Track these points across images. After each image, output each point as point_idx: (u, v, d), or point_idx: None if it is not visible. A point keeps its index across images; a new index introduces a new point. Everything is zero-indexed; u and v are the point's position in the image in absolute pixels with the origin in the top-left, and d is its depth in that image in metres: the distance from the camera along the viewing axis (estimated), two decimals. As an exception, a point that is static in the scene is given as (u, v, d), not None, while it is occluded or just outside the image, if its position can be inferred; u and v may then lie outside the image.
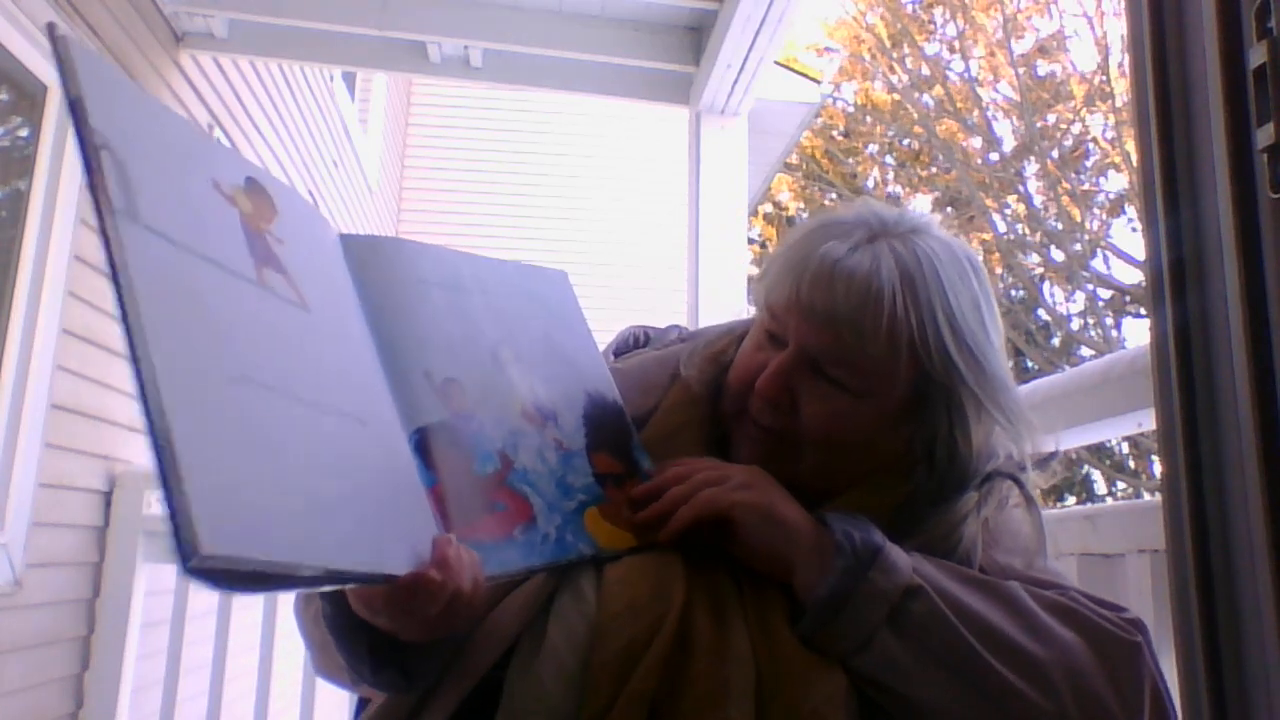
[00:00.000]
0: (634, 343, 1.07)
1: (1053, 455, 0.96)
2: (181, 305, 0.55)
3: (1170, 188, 0.77)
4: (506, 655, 0.76)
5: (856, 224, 0.87)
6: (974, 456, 0.85)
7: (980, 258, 0.92)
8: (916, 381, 0.84)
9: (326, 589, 0.68)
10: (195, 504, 0.48)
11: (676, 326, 1.08)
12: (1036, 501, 0.90)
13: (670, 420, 0.91)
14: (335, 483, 0.61)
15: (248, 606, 2.83)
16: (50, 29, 0.56)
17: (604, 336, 1.05)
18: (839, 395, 0.83)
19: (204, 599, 2.69)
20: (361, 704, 0.91)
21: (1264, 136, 0.68)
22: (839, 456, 0.85)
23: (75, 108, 0.55)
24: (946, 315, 0.82)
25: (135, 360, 0.50)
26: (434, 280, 0.83)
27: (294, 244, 0.70)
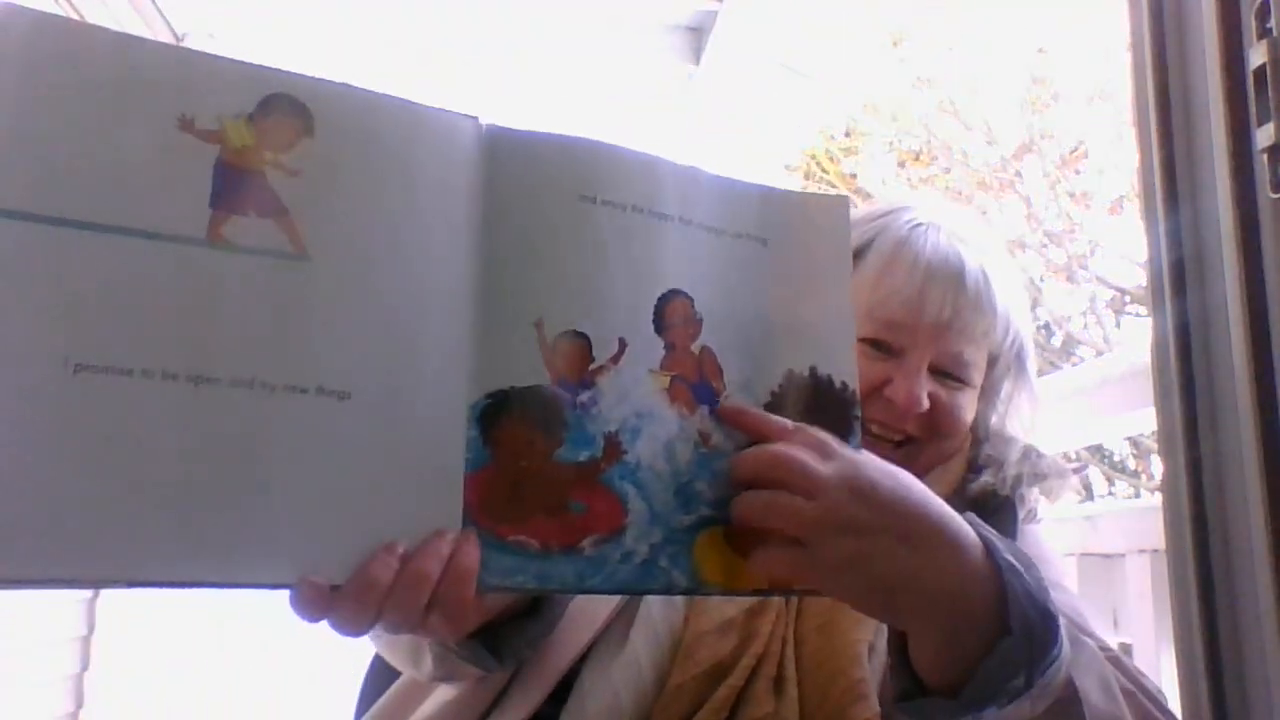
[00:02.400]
0: None
1: (1078, 466, 1.00)
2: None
3: (1170, 188, 0.77)
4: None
5: (928, 215, 0.90)
6: (1005, 433, 0.92)
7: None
8: (996, 358, 0.91)
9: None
10: None
11: None
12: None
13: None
14: (212, 476, 0.54)
15: (250, 606, 2.82)
16: None
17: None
18: (961, 391, 0.88)
19: (205, 599, 2.69)
20: (364, 703, 0.91)
21: (1264, 136, 0.68)
22: (947, 448, 0.89)
23: None
24: (1022, 290, 0.91)
25: None
26: (609, 198, 0.64)
27: (326, 171, 0.59)
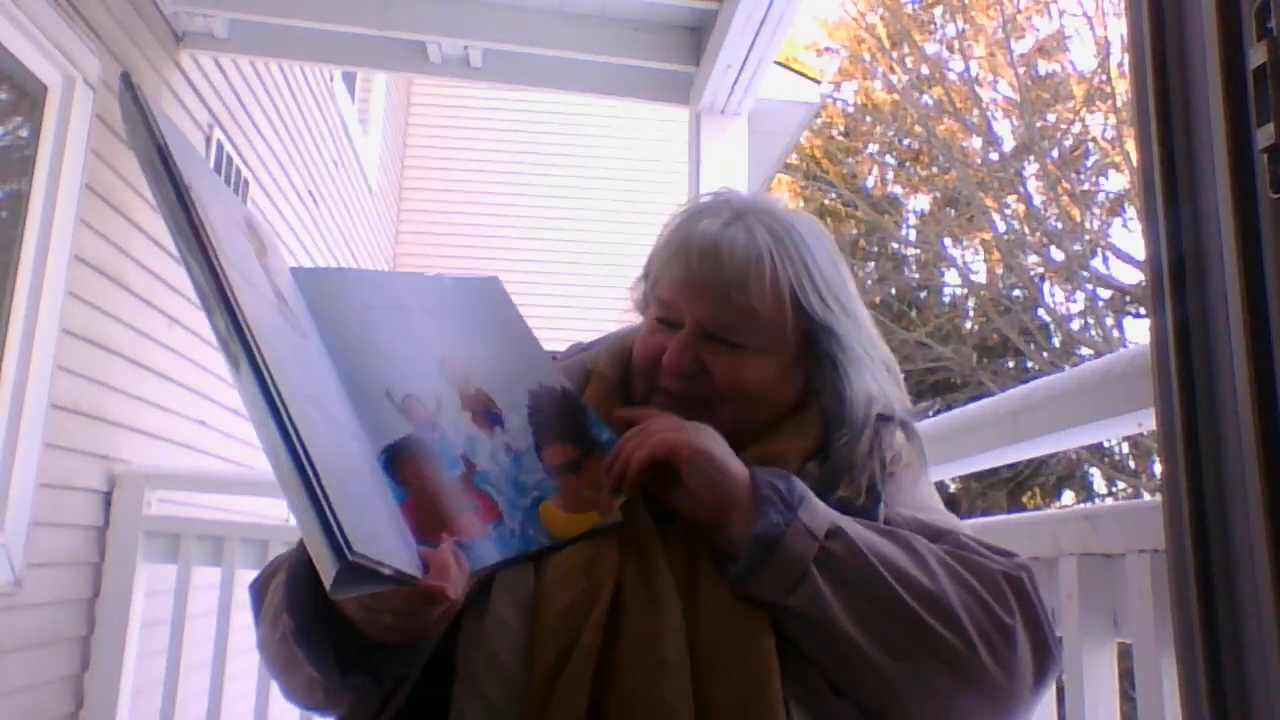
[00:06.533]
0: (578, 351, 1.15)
1: (929, 407, 1.05)
2: (270, 336, 0.65)
3: (1170, 188, 0.77)
4: (453, 628, 0.82)
5: (721, 206, 0.99)
6: (858, 398, 0.96)
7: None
8: (804, 330, 0.96)
9: (368, 591, 0.70)
10: (341, 512, 0.58)
11: (579, 343, 1.15)
12: (921, 443, 1.01)
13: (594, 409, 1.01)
14: (372, 495, 0.69)
15: (247, 606, 2.82)
16: (124, 79, 0.63)
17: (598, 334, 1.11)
18: (740, 354, 0.94)
19: (204, 599, 2.69)
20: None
21: (1264, 136, 0.68)
22: (747, 409, 0.95)
23: (163, 152, 0.62)
24: (816, 268, 0.96)
25: (266, 386, 0.61)
26: (378, 304, 0.89)
27: (282, 276, 0.78)
